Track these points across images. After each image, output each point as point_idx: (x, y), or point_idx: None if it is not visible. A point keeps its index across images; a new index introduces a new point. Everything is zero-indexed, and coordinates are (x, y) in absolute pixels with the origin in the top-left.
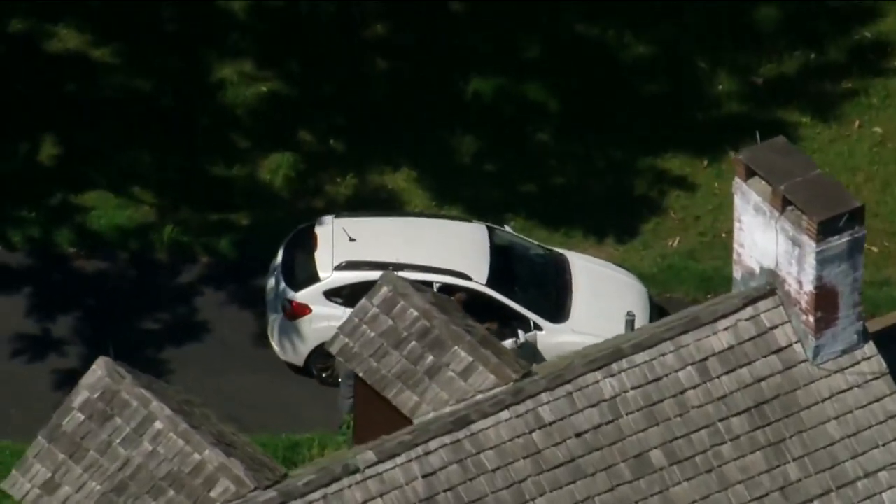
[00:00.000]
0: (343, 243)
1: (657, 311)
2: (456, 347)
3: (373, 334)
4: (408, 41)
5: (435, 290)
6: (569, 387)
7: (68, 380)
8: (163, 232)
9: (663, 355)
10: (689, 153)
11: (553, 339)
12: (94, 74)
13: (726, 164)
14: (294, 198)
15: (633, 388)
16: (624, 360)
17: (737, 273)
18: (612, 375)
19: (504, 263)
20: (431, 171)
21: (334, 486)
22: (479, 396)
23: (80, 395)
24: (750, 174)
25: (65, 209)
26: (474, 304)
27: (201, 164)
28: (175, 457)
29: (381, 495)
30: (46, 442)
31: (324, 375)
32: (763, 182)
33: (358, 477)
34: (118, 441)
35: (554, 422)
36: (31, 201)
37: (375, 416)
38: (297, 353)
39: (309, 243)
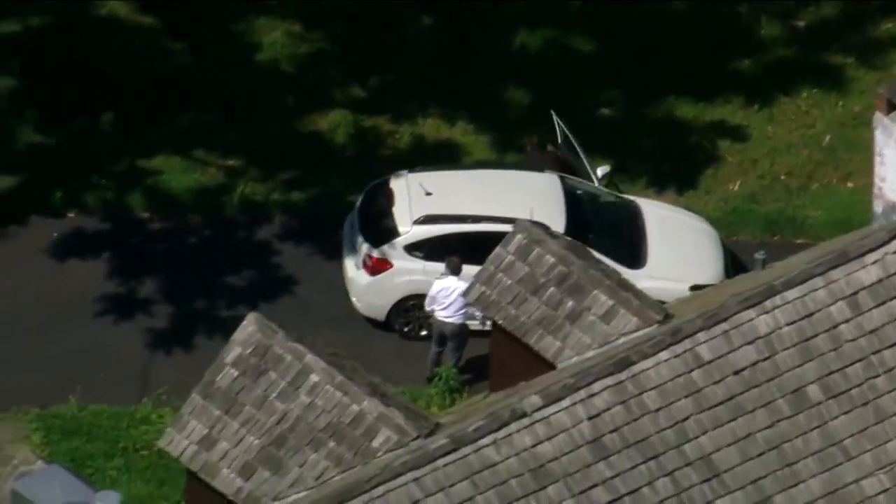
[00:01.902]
0: (419, 197)
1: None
2: (596, 291)
3: (510, 282)
4: None
5: None
6: (725, 325)
7: (155, 341)
8: (233, 193)
9: (814, 291)
10: (739, 99)
11: None
12: (144, 42)
13: (777, 108)
14: (355, 153)
15: (786, 325)
16: (777, 297)
17: (877, 206)
18: (766, 312)
19: (579, 212)
20: (487, 123)
21: (503, 431)
22: (631, 337)
23: (233, 351)
24: (891, 108)
25: (134, 174)
26: None
27: (260, 125)
28: (333, 408)
29: (548, 438)
30: (201, 399)
31: (405, 329)
32: None
33: (525, 421)
34: (274, 395)
35: (712, 360)
36: (98, 168)
37: (512, 362)
38: (379, 308)
39: (385, 199)
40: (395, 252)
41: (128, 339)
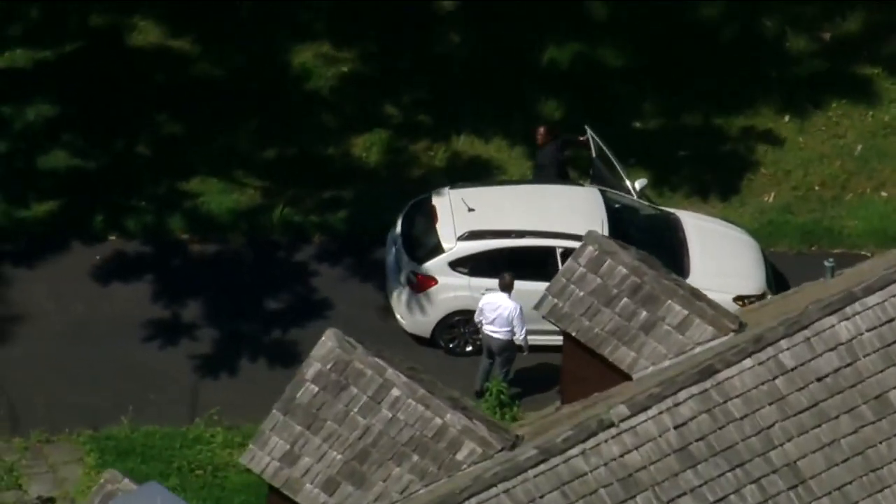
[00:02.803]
0: (462, 214)
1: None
2: (669, 301)
3: (582, 293)
4: (476, 14)
5: (558, 255)
6: (806, 332)
7: (201, 362)
8: (272, 214)
9: (894, 296)
10: (770, 110)
11: None
12: (177, 64)
13: (807, 119)
14: (391, 172)
15: (867, 331)
16: (857, 303)
17: None
18: (847, 319)
19: (620, 225)
20: (522, 138)
21: (591, 441)
22: (707, 346)
23: (312, 367)
24: None
25: (173, 196)
26: None
27: (296, 146)
28: (416, 422)
29: (636, 448)
30: (282, 415)
31: (451, 346)
32: None
33: (613, 431)
34: (356, 410)
35: (795, 367)
36: (137, 191)
37: (585, 373)
38: (424, 324)
39: (428, 215)
40: (439, 268)
41: (174, 361)
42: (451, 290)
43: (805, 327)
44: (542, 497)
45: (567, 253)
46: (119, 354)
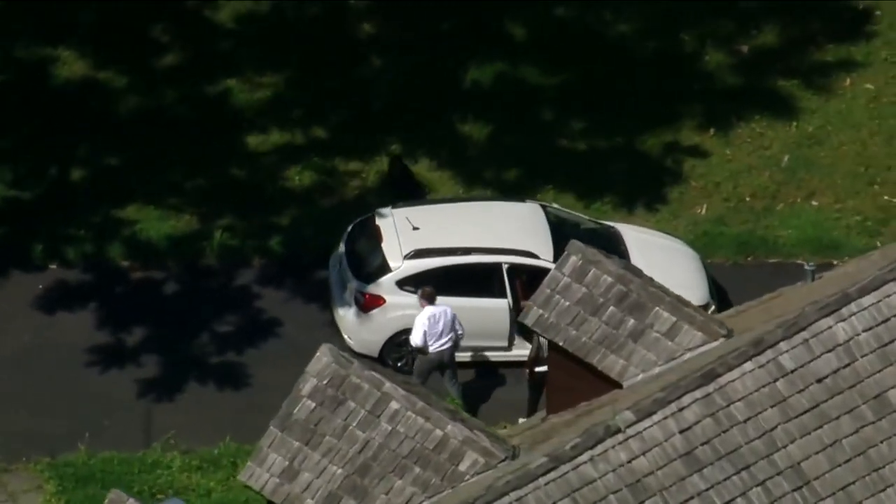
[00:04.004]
0: (407, 232)
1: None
2: (657, 308)
3: (567, 303)
4: (397, 37)
5: (504, 270)
6: (804, 334)
7: (152, 387)
8: (211, 239)
9: (888, 297)
10: (694, 124)
11: None
12: (104, 95)
13: (732, 132)
14: (323, 194)
15: (864, 331)
16: (853, 304)
17: None
18: (844, 320)
19: (563, 240)
20: (450, 158)
21: (599, 448)
22: (698, 352)
23: (308, 382)
24: None
25: (110, 224)
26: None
27: (227, 171)
28: (416, 434)
29: (643, 453)
30: (279, 431)
31: (399, 364)
32: None
33: (620, 437)
34: (354, 424)
35: (795, 369)
36: (75, 220)
37: (572, 383)
38: (372, 343)
39: (372, 235)
40: (387, 287)
41: (124, 387)
42: (399, 308)
43: (803, 329)
44: None
45: (513, 269)
46: (69, 382)
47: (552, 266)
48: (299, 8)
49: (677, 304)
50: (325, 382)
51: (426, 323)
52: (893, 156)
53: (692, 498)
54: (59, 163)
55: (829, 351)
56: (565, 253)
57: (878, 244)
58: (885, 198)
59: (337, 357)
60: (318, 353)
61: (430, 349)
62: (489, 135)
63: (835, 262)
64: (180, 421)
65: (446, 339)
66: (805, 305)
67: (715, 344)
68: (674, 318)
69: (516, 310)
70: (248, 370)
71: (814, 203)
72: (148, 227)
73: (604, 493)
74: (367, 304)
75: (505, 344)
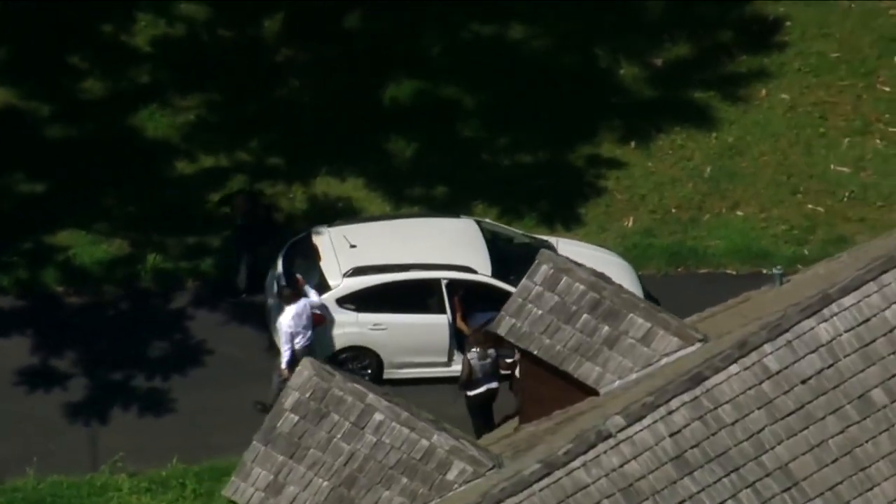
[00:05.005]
0: (344, 250)
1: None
2: (631, 315)
3: (540, 312)
4: (312, 60)
5: (443, 286)
6: (788, 335)
7: (92, 411)
8: (144, 263)
9: (868, 296)
10: (614, 137)
11: None
12: (25, 123)
13: (653, 144)
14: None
15: (846, 331)
16: (834, 305)
17: None
18: (826, 320)
19: (500, 254)
20: (376, 176)
21: (591, 453)
22: (674, 357)
23: (291, 396)
24: None
25: (42, 251)
26: (478, 296)
27: (154, 194)
28: (402, 445)
29: (634, 457)
30: (263, 445)
31: None
32: None
33: (611, 442)
34: (339, 436)
35: (780, 370)
36: (6, 247)
37: (546, 392)
38: None
39: (309, 253)
40: (326, 306)
41: (66, 411)
42: (340, 326)
43: (786, 330)
44: None
45: (452, 284)
46: (10, 407)
47: (491, 281)
48: (214, 32)
49: (651, 310)
50: (307, 395)
51: (291, 324)
52: (814, 165)
53: (684, 501)
54: None
55: (813, 352)
56: (535, 262)
57: (806, 252)
58: (810, 206)
59: (319, 370)
60: (299, 367)
61: (297, 346)
62: (414, 152)
63: (764, 271)
64: (125, 443)
65: (309, 332)
66: (787, 307)
67: (692, 349)
68: (648, 324)
69: (454, 325)
70: (188, 391)
71: (739, 213)
72: (81, 252)
73: (598, 498)
74: None
75: (445, 359)
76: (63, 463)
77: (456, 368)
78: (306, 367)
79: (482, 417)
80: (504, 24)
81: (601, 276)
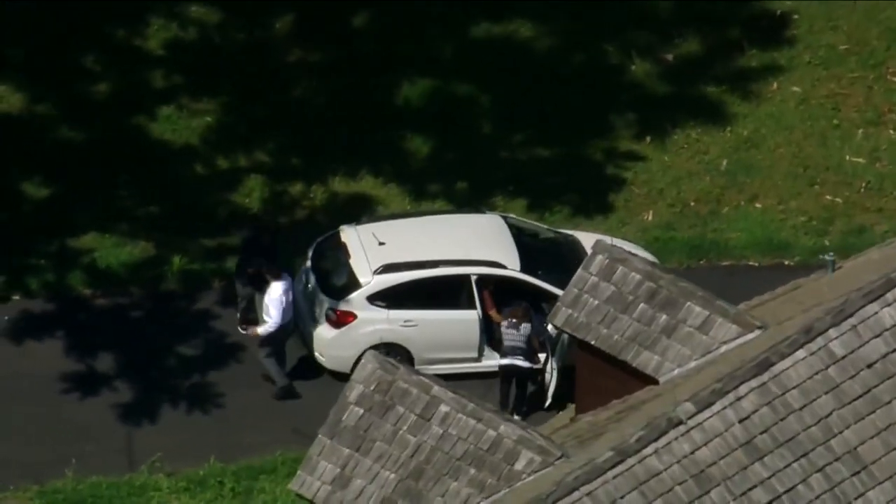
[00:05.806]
0: (374, 248)
1: None
2: (689, 303)
3: (597, 302)
4: (323, 61)
5: (472, 282)
6: (852, 320)
7: (127, 412)
8: (169, 264)
9: None
10: (629, 132)
11: None
12: (43, 127)
13: (668, 139)
14: (275, 215)
15: None
16: None
17: None
18: (889, 304)
19: (527, 249)
20: (395, 173)
21: (663, 440)
22: (734, 345)
23: (355, 389)
24: None
25: (68, 254)
26: (508, 291)
27: (172, 196)
28: (469, 436)
29: (705, 444)
30: (328, 439)
31: None
32: None
33: (682, 428)
34: (405, 428)
35: (845, 355)
36: (33, 251)
37: (603, 382)
38: (344, 360)
39: (339, 251)
40: (358, 303)
41: (101, 413)
42: (371, 324)
43: (850, 315)
44: (622, 498)
45: (482, 280)
46: (46, 410)
47: (519, 276)
48: (225, 34)
49: (708, 298)
50: (371, 388)
51: (283, 298)
52: (829, 156)
53: (755, 486)
54: (8, 195)
55: (877, 336)
56: (591, 252)
57: (827, 243)
58: (828, 197)
59: (382, 363)
60: (363, 360)
61: (284, 321)
62: (431, 150)
63: (786, 262)
64: (161, 443)
65: (290, 312)
66: (849, 292)
67: (751, 336)
68: (706, 312)
69: (485, 321)
70: (219, 390)
71: (757, 205)
72: (105, 254)
73: (670, 485)
74: (339, 320)
75: (475, 355)
76: (100, 464)
77: (486, 364)
78: (370, 360)
79: (501, 392)
80: (513, 24)
81: (655, 265)
